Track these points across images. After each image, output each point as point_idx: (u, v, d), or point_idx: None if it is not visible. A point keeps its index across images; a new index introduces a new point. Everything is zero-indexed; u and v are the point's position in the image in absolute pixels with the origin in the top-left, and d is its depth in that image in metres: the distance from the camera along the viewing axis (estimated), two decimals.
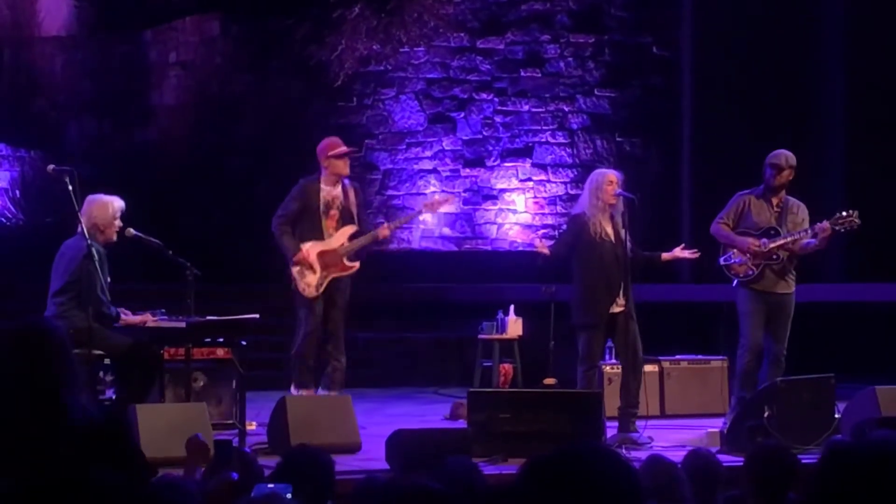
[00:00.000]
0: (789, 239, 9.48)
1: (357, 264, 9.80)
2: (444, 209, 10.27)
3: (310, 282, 9.68)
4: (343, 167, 9.84)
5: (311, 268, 9.67)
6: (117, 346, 8.69)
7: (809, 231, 9.43)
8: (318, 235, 9.71)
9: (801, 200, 9.69)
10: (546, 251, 9.45)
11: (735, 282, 9.65)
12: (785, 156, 9.57)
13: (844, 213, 9.42)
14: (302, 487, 4.30)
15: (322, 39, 15.78)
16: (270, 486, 4.21)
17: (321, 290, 9.68)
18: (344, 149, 9.86)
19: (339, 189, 9.83)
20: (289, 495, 4.09)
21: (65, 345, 4.27)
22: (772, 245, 9.49)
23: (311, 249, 9.65)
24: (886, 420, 7.84)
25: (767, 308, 9.54)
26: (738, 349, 9.60)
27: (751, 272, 9.53)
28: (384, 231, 9.95)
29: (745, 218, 9.62)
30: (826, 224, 9.38)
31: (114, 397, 8.82)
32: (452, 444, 7.58)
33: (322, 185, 9.77)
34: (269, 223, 9.88)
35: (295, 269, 9.68)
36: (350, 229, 9.78)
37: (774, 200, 9.62)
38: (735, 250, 9.57)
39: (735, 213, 9.65)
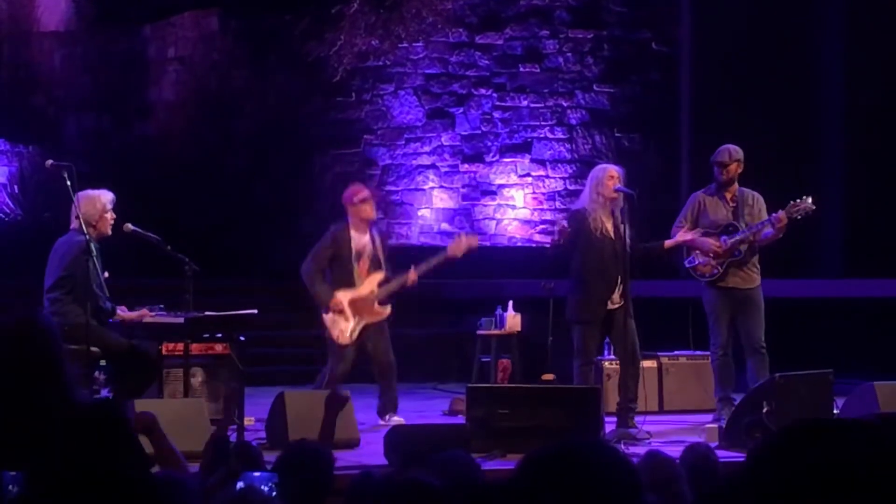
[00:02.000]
0: (748, 233, 9.53)
1: (388, 309, 9.86)
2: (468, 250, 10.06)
3: (343, 329, 9.72)
4: (370, 211, 9.95)
5: (343, 315, 9.71)
6: (114, 346, 8.67)
7: (767, 222, 9.49)
8: (350, 282, 9.77)
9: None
10: (567, 232, 9.28)
11: (703, 282, 9.71)
12: (728, 150, 9.63)
13: (798, 200, 9.47)
14: (301, 482, 4.31)
15: (321, 35, 15.77)
16: (256, 474, 4.26)
17: (354, 336, 9.74)
18: (367, 193, 9.97)
19: (367, 236, 9.90)
20: (273, 484, 4.13)
21: (57, 336, 4.35)
22: (731, 241, 9.55)
23: (342, 297, 9.70)
24: (885, 416, 7.83)
25: (735, 304, 9.64)
26: (710, 348, 9.73)
27: (716, 271, 9.62)
28: (412, 276, 9.94)
29: (702, 217, 9.68)
30: (782, 214, 9.44)
31: (109, 396, 8.78)
32: (451, 440, 7.58)
33: (352, 233, 9.84)
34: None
35: (327, 317, 9.72)
36: (378, 276, 9.85)
37: (728, 195, 9.69)
38: (697, 251, 9.63)
39: (691, 214, 9.72)
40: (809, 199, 9.50)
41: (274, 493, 4.11)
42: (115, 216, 8.87)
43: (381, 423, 9.60)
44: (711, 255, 9.60)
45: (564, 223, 9.44)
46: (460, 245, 10.08)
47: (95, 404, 4.28)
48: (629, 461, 2.51)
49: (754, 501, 1.91)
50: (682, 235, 9.60)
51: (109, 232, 8.83)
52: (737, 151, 9.64)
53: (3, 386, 4.16)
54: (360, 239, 9.89)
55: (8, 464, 3.92)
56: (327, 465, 4.58)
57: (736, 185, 9.71)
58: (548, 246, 9.49)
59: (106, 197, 8.86)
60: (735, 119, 14.60)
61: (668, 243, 9.63)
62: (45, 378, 4.16)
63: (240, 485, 4.16)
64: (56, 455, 4.03)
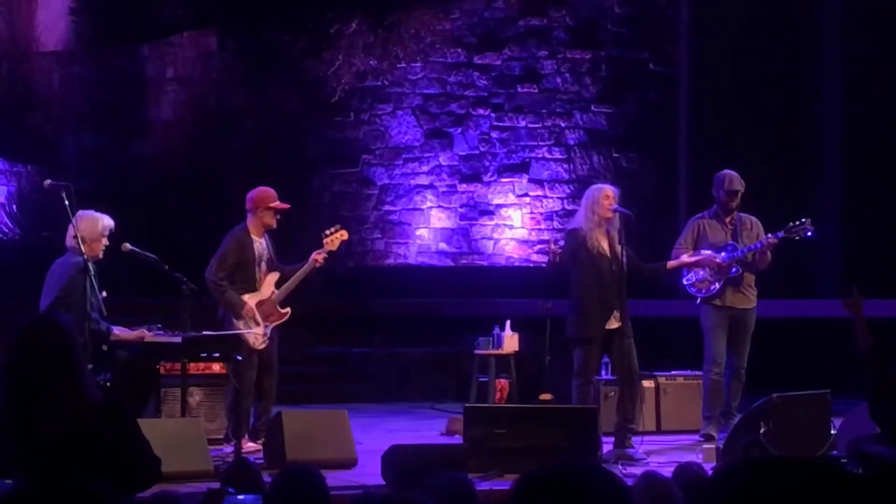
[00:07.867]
0: (747, 252, 9.76)
1: (288, 309, 9.66)
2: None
3: (257, 334, 9.43)
4: (273, 221, 9.73)
5: (255, 321, 9.45)
6: (114, 362, 8.67)
7: (765, 242, 9.75)
8: (253, 287, 9.51)
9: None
10: (558, 252, 9.42)
11: (699, 299, 9.98)
12: (739, 179, 10.01)
13: (796, 222, 9.72)
14: None
15: (319, 54, 15.80)
16: (241, 497, 4.26)
17: (266, 340, 9.50)
18: (277, 201, 9.76)
19: (263, 240, 9.72)
20: None
21: (75, 337, 4.56)
22: (730, 258, 9.82)
23: (251, 302, 9.52)
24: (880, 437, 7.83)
25: (729, 323, 9.93)
26: (704, 364, 10.01)
27: (713, 288, 9.93)
28: (318, 258, 9.62)
29: (701, 241, 10.04)
30: (780, 234, 9.73)
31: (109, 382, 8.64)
32: (448, 460, 7.58)
33: (253, 237, 9.67)
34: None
35: (239, 324, 9.43)
36: (275, 276, 9.65)
37: (727, 219, 10.02)
38: (695, 269, 9.86)
39: (692, 236, 10.06)
40: (808, 221, 9.72)
41: None
42: (108, 243, 8.82)
43: (255, 445, 9.22)
44: (710, 269, 9.78)
45: (556, 244, 9.56)
46: (334, 240, 9.85)
47: (107, 403, 4.47)
48: (622, 483, 2.51)
49: None
50: (684, 259, 9.80)
51: (101, 256, 8.78)
52: (741, 179, 9.95)
53: (23, 382, 4.31)
54: (259, 242, 9.75)
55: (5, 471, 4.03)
56: (318, 486, 4.57)
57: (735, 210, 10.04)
58: (544, 265, 9.58)
59: (106, 222, 8.84)
60: (733, 139, 14.63)
61: (670, 264, 9.82)
62: (62, 376, 4.31)
63: None
64: (75, 440, 4.20)
